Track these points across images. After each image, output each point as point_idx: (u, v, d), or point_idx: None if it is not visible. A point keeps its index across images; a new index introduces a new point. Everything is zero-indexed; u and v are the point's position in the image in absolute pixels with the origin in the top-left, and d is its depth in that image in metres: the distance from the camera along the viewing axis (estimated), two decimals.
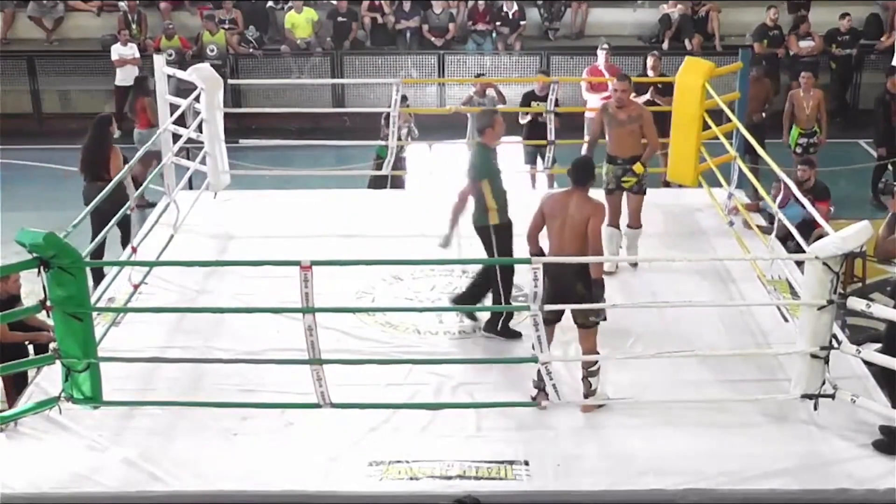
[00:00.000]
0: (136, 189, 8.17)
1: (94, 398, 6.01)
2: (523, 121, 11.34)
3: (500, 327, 7.21)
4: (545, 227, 6.52)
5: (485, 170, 7.11)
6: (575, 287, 6.21)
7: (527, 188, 11.35)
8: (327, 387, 6.02)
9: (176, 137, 9.15)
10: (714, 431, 6.16)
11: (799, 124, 11.76)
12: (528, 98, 11.36)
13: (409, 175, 11.06)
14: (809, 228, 8.45)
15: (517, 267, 7.05)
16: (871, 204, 11.43)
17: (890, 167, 12.01)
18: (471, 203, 7.17)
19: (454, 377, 6.69)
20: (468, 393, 6.57)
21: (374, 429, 6.20)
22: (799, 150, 11.73)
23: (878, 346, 7.35)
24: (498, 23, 15.42)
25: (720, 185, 9.32)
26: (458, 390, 6.59)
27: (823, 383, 6.12)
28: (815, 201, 8.77)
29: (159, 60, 9.66)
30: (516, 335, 7.16)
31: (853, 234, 6.00)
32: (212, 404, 6.26)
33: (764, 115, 11.69)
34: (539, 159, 11.01)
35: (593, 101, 12.24)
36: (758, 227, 8.58)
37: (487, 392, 6.55)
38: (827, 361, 6.10)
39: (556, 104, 10.84)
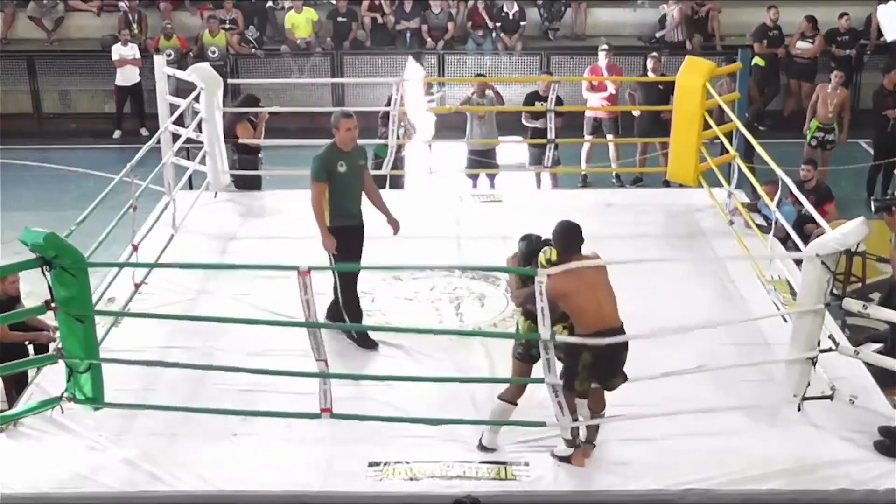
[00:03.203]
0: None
1: (96, 399, 5.99)
2: (531, 124, 11.32)
3: (357, 338, 7.17)
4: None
5: (321, 172, 6.97)
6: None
7: (531, 188, 11.38)
8: (331, 386, 6.00)
9: (176, 137, 9.16)
10: (714, 432, 6.16)
11: (818, 118, 11.88)
12: (531, 98, 11.35)
13: (409, 174, 11.05)
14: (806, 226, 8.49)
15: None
16: (865, 205, 11.41)
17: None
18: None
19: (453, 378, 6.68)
20: (469, 396, 6.55)
21: (375, 429, 6.19)
22: (814, 142, 11.94)
23: (878, 346, 7.37)
24: (498, 23, 15.42)
25: (720, 185, 9.33)
26: (458, 392, 6.57)
27: (818, 382, 6.12)
28: (819, 202, 8.80)
29: (159, 60, 9.66)
30: (372, 345, 7.12)
31: (852, 231, 6.01)
32: (211, 411, 6.23)
33: (747, 115, 11.71)
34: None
35: (593, 100, 12.30)
36: (757, 226, 8.58)
37: (488, 395, 6.53)
38: (815, 363, 6.10)
39: (559, 103, 10.87)
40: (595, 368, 5.74)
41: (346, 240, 6.99)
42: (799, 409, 6.17)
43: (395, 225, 7.31)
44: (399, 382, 6.59)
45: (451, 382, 6.60)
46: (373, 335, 7.22)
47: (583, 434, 6.05)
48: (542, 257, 5.85)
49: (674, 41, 15.32)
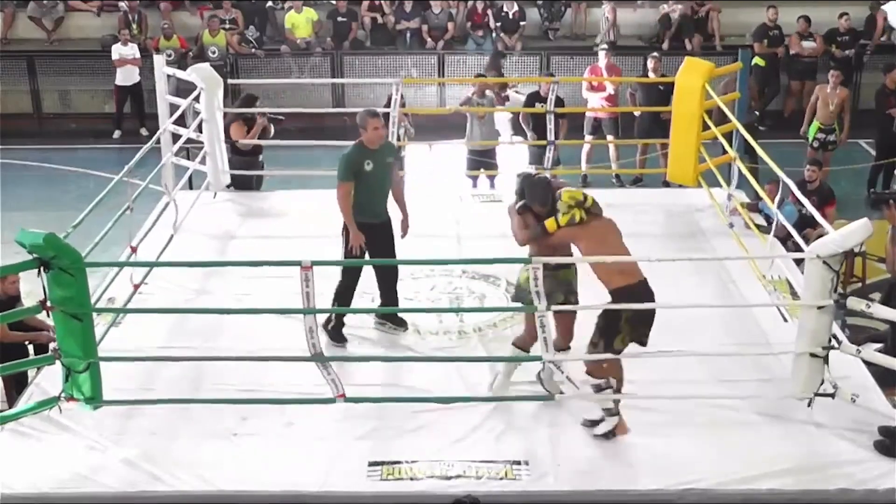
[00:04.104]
0: None
1: (95, 398, 6.00)
2: (527, 129, 11.30)
3: (331, 328, 7.17)
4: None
5: (347, 172, 7.01)
6: None
7: None
8: (337, 375, 6.02)
9: (176, 137, 9.15)
10: (713, 431, 6.17)
11: (819, 119, 11.87)
12: (532, 99, 11.34)
13: (409, 175, 11.05)
14: (807, 228, 8.47)
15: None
16: (866, 205, 11.41)
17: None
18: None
19: (455, 377, 6.68)
20: (470, 392, 6.56)
21: (375, 429, 6.21)
22: (816, 144, 11.92)
23: (879, 346, 7.37)
24: (498, 23, 15.43)
25: (720, 185, 9.32)
26: (458, 390, 6.58)
27: (822, 383, 6.12)
28: (820, 204, 8.79)
29: (159, 60, 9.66)
30: (341, 340, 7.12)
31: (853, 232, 6.01)
32: (215, 401, 6.25)
33: (757, 112, 11.71)
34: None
35: (594, 100, 12.30)
36: (757, 227, 8.58)
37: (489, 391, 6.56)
38: (826, 361, 6.10)
39: (560, 104, 10.87)
40: (635, 321, 5.96)
41: (367, 237, 7.04)
42: (810, 405, 6.16)
43: (405, 227, 7.38)
44: (399, 383, 6.61)
45: (452, 380, 6.63)
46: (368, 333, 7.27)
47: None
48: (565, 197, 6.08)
49: (610, 42, 15.37)
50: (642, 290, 5.99)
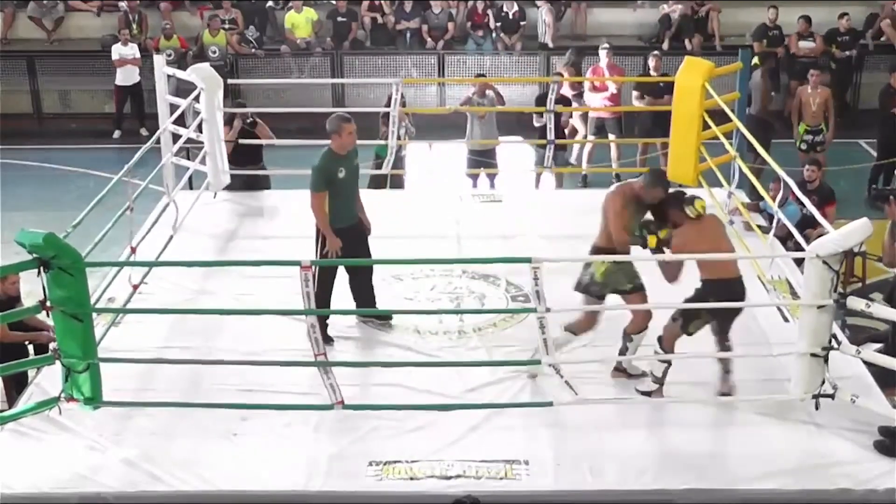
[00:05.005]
0: None
1: (95, 398, 5.99)
2: (538, 123, 11.30)
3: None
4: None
5: (320, 183, 6.94)
6: None
7: (532, 187, 11.39)
8: (336, 379, 6.03)
9: (176, 137, 9.15)
10: (714, 431, 6.18)
11: (805, 121, 11.89)
12: (541, 100, 11.32)
13: (409, 174, 11.06)
14: (808, 228, 8.46)
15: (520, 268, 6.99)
16: (865, 205, 11.40)
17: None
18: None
19: (455, 377, 6.68)
20: (470, 391, 6.56)
21: (374, 428, 6.20)
22: (804, 146, 11.90)
23: (879, 346, 7.36)
24: (499, 23, 15.44)
25: (720, 185, 9.32)
26: (458, 391, 6.58)
27: (823, 383, 6.12)
28: (820, 203, 8.79)
29: (159, 60, 9.65)
30: (328, 341, 6.98)
31: (853, 232, 6.00)
32: (214, 405, 6.25)
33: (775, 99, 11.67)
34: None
35: (595, 100, 12.30)
36: (758, 227, 8.57)
37: (489, 393, 6.55)
38: (826, 361, 6.10)
39: (567, 103, 10.88)
40: (716, 312, 6.34)
41: (343, 240, 7.01)
42: (817, 408, 6.17)
43: (367, 228, 7.35)
44: (399, 383, 6.59)
45: (451, 380, 6.62)
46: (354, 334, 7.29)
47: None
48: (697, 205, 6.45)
49: (545, 43, 15.43)
50: (730, 287, 6.32)
